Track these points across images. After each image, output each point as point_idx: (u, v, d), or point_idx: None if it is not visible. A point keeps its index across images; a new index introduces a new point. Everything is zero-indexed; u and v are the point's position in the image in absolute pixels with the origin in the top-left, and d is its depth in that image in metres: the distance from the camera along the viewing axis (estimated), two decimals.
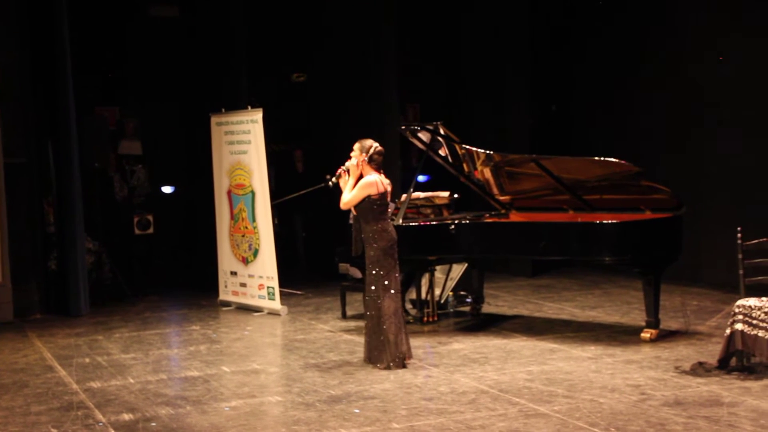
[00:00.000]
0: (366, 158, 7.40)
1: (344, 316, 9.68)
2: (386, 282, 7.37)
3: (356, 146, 7.47)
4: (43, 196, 10.72)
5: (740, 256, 7.11)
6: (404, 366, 7.35)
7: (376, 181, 7.39)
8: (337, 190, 7.67)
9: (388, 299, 7.36)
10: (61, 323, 9.89)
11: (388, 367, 7.29)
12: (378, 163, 7.44)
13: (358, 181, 7.43)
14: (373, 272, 7.38)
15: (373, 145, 7.44)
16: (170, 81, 12.82)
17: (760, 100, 10.22)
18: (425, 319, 9.24)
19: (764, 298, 6.77)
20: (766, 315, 6.65)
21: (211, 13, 12.05)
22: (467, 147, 8.92)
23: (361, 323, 9.07)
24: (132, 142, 12.75)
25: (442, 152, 9.17)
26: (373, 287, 7.38)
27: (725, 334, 6.87)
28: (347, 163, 7.48)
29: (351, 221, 8.49)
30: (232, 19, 11.91)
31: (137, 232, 12.13)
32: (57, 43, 10.21)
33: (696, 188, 10.70)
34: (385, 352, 7.34)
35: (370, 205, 7.37)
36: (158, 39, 12.76)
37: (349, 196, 7.39)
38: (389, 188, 7.52)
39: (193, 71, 12.36)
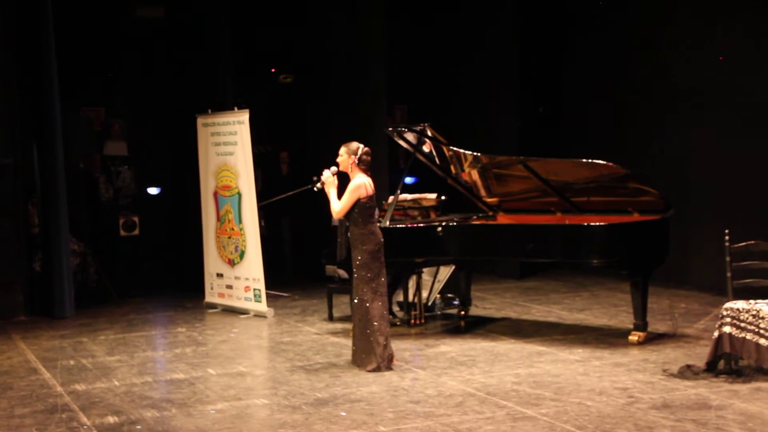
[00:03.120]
0: (356, 160, 7.38)
1: (331, 319, 9.65)
2: (374, 285, 7.35)
3: (343, 150, 7.44)
4: (28, 197, 10.65)
5: (728, 258, 7.11)
6: (391, 368, 7.34)
7: (365, 183, 7.37)
8: (323, 194, 7.63)
9: (376, 302, 7.34)
10: (46, 325, 9.83)
11: (377, 369, 7.27)
12: (367, 164, 7.43)
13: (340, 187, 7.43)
14: (361, 275, 7.35)
15: (360, 146, 7.43)
16: (156, 82, 12.76)
17: (749, 101, 10.24)
18: (412, 321, 9.22)
19: (752, 301, 6.78)
20: (753, 318, 6.65)
21: (197, 13, 12.01)
22: (455, 149, 8.90)
23: (348, 325, 9.04)
24: (118, 142, 12.70)
25: (429, 154, 9.15)
26: (360, 290, 7.35)
27: (713, 337, 6.88)
28: (325, 174, 7.44)
29: (335, 224, 8.47)
30: (218, 20, 11.87)
31: (123, 233, 12.08)
32: (43, 43, 10.14)
33: (684, 190, 10.72)
34: (373, 354, 7.31)
35: (360, 208, 7.35)
36: (144, 39, 12.71)
37: (340, 204, 7.36)
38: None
39: (180, 72, 12.31)
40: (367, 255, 7.34)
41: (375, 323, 7.30)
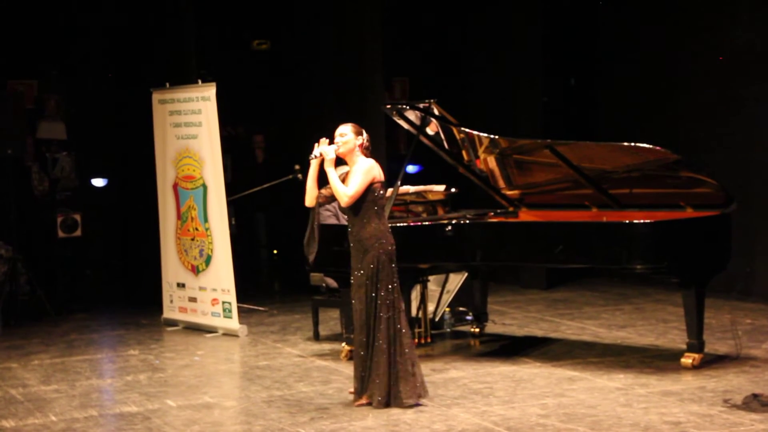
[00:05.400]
0: (364, 143, 7.32)
1: (317, 338, 9.65)
2: (396, 295, 7.25)
3: (348, 129, 7.29)
4: None
5: None
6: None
7: (377, 166, 7.29)
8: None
9: (403, 318, 7.26)
10: None
11: (412, 405, 7.16)
12: (369, 152, 7.37)
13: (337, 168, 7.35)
14: (378, 284, 7.21)
15: (362, 130, 7.38)
16: (102, 48, 12.74)
17: None
18: (416, 340, 9.19)
19: None
20: None
21: None
22: (467, 130, 8.90)
23: (337, 346, 9.05)
24: (54, 123, 12.67)
25: (435, 137, 9.15)
26: (385, 303, 7.18)
27: None
28: (328, 148, 7.32)
29: (322, 220, 8.44)
30: None
31: (61, 234, 12.05)
32: None
33: (748, 181, 10.70)
34: (408, 384, 7.20)
35: (374, 198, 7.24)
36: None
37: (354, 188, 7.17)
38: None
39: (131, 36, 12.28)
40: (386, 258, 7.21)
41: (408, 345, 7.22)
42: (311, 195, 7.45)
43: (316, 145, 7.37)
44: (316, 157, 7.33)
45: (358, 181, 7.20)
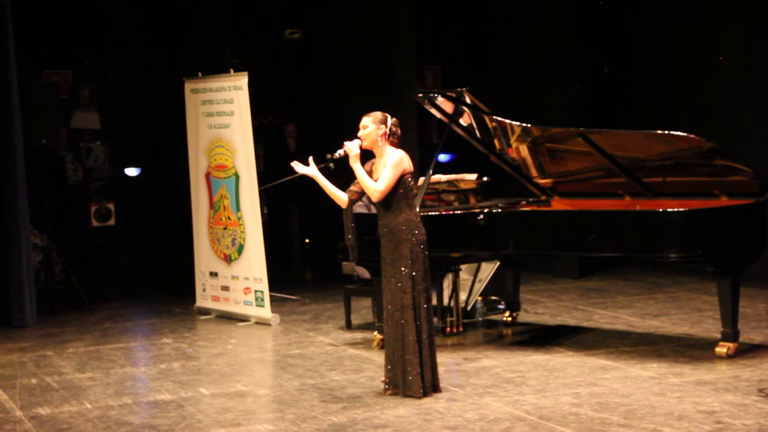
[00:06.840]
0: (386, 131, 7.26)
1: (349, 326, 9.67)
2: (426, 286, 7.24)
3: (368, 120, 7.23)
4: None
5: None
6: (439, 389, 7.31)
7: (406, 157, 7.22)
8: (342, 173, 7.56)
9: (430, 309, 7.25)
10: (2, 336, 9.88)
11: (425, 393, 7.16)
12: (398, 137, 7.30)
13: (364, 163, 7.32)
14: (412, 274, 7.18)
15: (388, 116, 7.31)
16: (134, 38, 12.77)
17: None
18: (448, 329, 9.23)
19: None
20: None
21: None
22: (499, 119, 8.87)
23: (369, 335, 9.05)
24: (88, 113, 12.73)
25: (467, 125, 9.13)
26: (418, 294, 7.17)
27: None
28: (352, 144, 7.29)
29: (361, 209, 8.45)
30: None
31: (95, 223, 12.12)
32: None
33: None
34: (426, 375, 7.21)
35: (404, 188, 7.20)
36: None
37: (384, 182, 7.12)
38: None
39: (163, 26, 12.32)
40: (418, 247, 7.18)
41: (431, 336, 7.20)
42: (340, 198, 7.42)
43: (294, 164, 7.41)
44: (340, 155, 7.31)
45: (388, 176, 7.15)
